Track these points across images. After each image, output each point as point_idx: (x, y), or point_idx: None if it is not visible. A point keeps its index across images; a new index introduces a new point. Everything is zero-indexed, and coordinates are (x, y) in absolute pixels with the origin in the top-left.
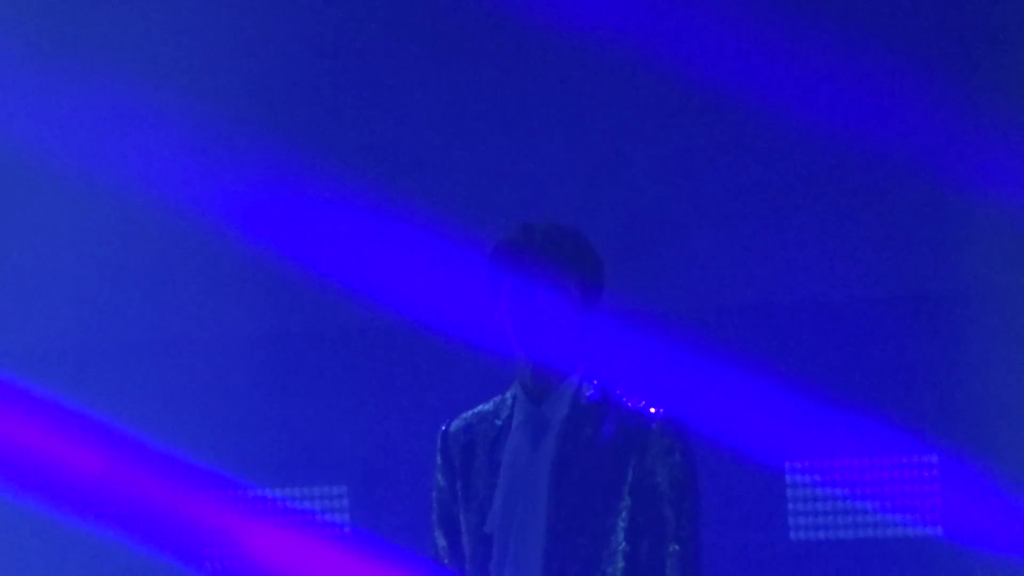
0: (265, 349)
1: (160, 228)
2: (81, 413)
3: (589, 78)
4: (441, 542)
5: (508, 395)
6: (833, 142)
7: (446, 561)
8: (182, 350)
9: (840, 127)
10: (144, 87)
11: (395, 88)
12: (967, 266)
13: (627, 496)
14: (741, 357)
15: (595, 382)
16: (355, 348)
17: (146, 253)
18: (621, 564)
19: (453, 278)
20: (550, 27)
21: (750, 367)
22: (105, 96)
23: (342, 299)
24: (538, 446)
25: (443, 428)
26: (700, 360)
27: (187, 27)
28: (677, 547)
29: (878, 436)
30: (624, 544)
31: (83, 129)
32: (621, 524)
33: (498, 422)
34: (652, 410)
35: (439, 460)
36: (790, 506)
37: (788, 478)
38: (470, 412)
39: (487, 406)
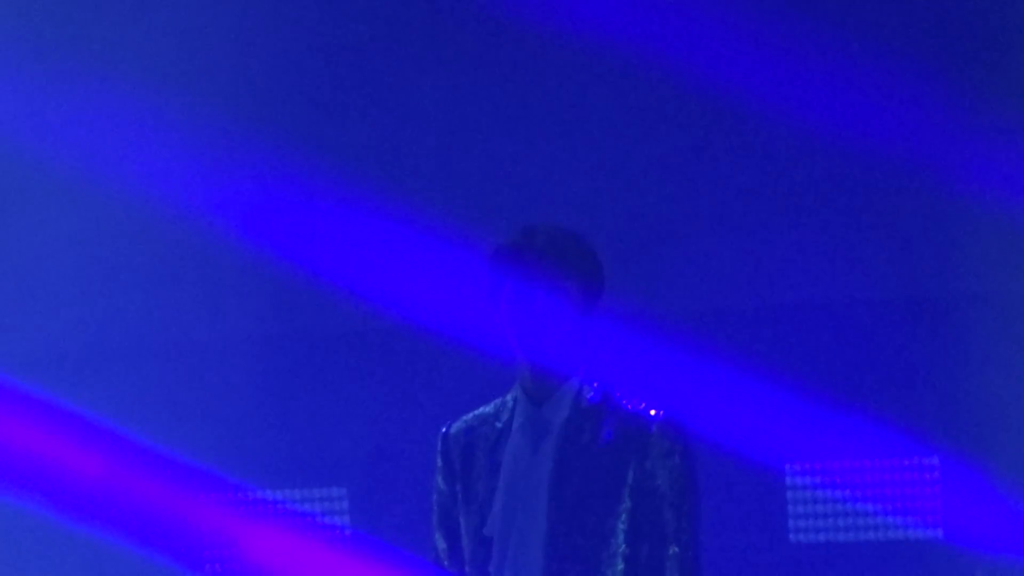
0: (265, 351)
1: (160, 231)
2: (81, 415)
3: (591, 80)
4: (441, 544)
5: (508, 397)
6: (833, 145)
7: (446, 563)
8: (182, 352)
9: (840, 130)
10: (146, 89)
11: (397, 91)
12: (967, 268)
13: (627, 498)
14: (741, 359)
15: (595, 384)
16: (355, 350)
17: (146, 256)
18: (621, 566)
19: (453, 280)
20: (552, 29)
21: (750, 369)
22: (106, 98)
23: (342, 302)
24: (538, 448)
25: (443, 430)
26: (700, 362)
27: (191, 29)
28: (677, 549)
29: (878, 438)
30: (624, 546)
31: (84, 132)
32: (621, 526)
33: (498, 424)
34: (652, 412)
35: (439, 462)
36: (790, 508)
37: (788, 480)
38: (470, 414)
39: (487, 408)
